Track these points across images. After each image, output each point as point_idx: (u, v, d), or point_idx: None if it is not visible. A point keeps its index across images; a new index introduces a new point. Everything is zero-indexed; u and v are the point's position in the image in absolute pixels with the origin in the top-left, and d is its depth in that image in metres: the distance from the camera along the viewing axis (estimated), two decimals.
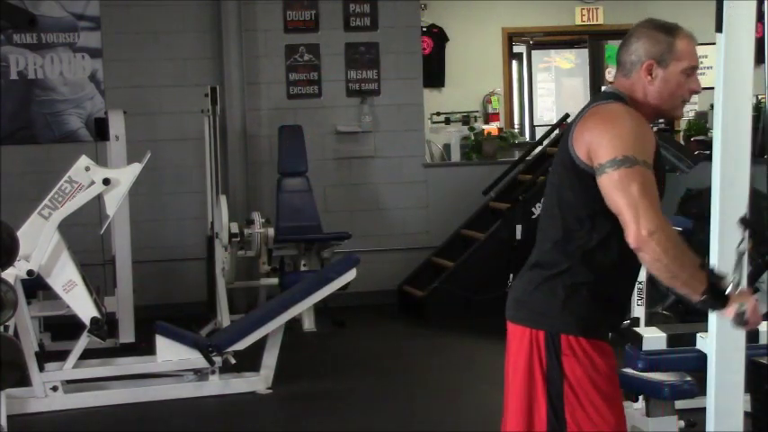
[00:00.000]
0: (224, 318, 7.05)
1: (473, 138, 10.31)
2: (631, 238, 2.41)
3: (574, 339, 2.60)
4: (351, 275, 5.96)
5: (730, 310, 2.44)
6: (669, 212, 6.78)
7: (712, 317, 3.23)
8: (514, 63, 11.81)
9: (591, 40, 11.89)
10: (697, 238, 6.01)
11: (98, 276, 7.27)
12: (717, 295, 2.45)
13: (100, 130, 7.28)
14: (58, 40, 8.15)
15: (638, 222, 2.40)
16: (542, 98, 12.67)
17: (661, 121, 10.20)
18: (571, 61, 12.66)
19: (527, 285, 2.69)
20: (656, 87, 2.63)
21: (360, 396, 5.91)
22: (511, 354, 2.72)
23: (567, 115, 9.51)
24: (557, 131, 9.55)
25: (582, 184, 2.57)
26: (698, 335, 3.73)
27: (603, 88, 2.74)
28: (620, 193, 2.43)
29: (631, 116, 2.57)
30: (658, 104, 2.66)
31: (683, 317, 6.48)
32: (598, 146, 2.50)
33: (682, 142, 9.24)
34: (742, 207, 3.18)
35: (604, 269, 2.61)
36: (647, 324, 4.87)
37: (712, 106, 3.05)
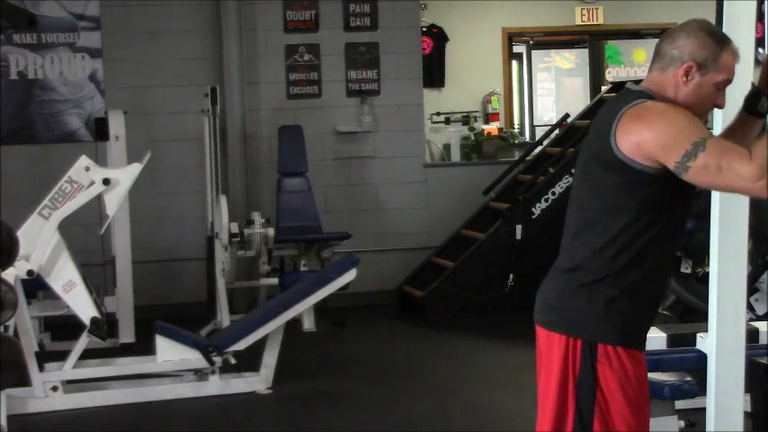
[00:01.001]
0: (224, 318, 7.05)
1: (473, 138, 10.31)
2: (748, 190, 2.40)
3: (611, 348, 2.59)
4: (351, 275, 5.96)
5: None
6: None
7: (712, 317, 3.23)
8: (514, 63, 11.81)
9: (591, 40, 11.89)
10: (697, 238, 6.02)
11: (98, 276, 7.26)
12: None
13: (100, 130, 7.27)
14: (58, 40, 8.15)
15: (746, 184, 2.37)
16: (542, 98, 12.66)
17: None
18: (571, 61, 12.66)
19: (561, 291, 2.66)
20: (688, 90, 2.59)
21: (360, 396, 5.91)
22: (543, 358, 2.71)
23: (567, 115, 9.50)
24: (557, 131, 9.54)
25: (630, 185, 2.54)
26: (698, 335, 3.72)
27: (627, 85, 2.69)
28: (715, 174, 2.40)
29: (673, 107, 2.54)
30: (685, 106, 2.61)
31: (683, 317, 6.48)
32: (663, 148, 2.46)
33: None
34: (742, 207, 3.18)
35: (647, 273, 2.60)
36: None
37: None
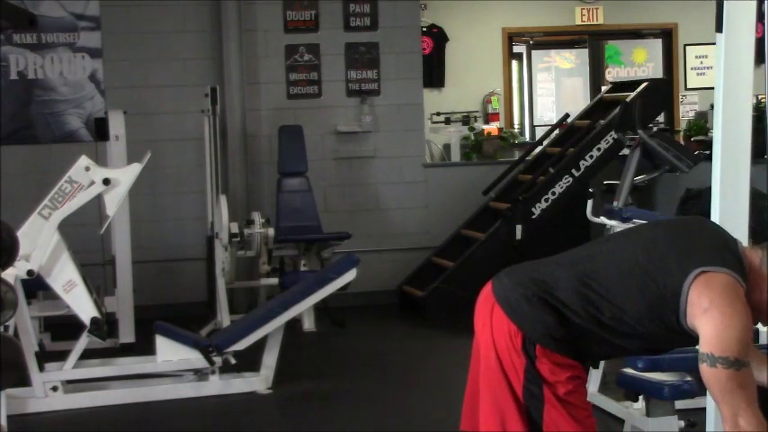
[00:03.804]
0: (224, 318, 7.05)
1: (473, 138, 10.32)
2: (729, 426, 2.50)
3: (549, 351, 2.68)
4: (351, 275, 5.96)
5: None
6: (669, 212, 6.79)
7: None
8: (514, 63, 11.81)
9: (591, 40, 11.90)
10: None
11: (98, 276, 7.26)
12: None
13: (100, 130, 7.28)
14: (58, 40, 8.15)
15: (736, 419, 2.48)
16: (542, 98, 12.67)
17: (661, 120, 10.22)
18: (571, 61, 12.67)
19: (527, 288, 2.73)
20: (764, 297, 2.64)
21: (360, 396, 5.91)
22: (495, 331, 2.75)
23: (566, 115, 9.51)
24: (557, 131, 9.54)
25: (660, 310, 2.61)
26: None
27: (740, 246, 2.70)
28: (726, 395, 2.50)
29: (745, 306, 2.56)
30: (755, 306, 2.65)
31: None
32: (709, 329, 2.53)
33: (682, 142, 9.24)
34: (742, 207, 3.18)
35: (596, 340, 2.69)
36: None
37: (712, 106, 3.04)
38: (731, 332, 2.51)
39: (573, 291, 2.68)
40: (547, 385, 2.67)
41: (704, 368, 2.52)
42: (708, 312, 2.54)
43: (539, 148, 9.20)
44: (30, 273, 5.57)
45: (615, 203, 6.15)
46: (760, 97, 7.94)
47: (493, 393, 2.76)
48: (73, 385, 5.80)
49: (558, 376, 2.67)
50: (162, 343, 5.83)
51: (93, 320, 5.73)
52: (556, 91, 12.74)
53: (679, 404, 3.97)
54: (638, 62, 11.84)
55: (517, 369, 2.69)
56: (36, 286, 6.15)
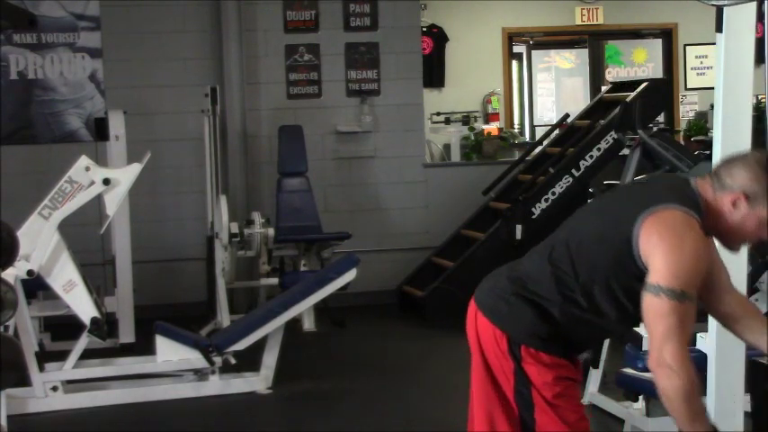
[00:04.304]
0: (224, 318, 7.05)
1: (473, 138, 10.32)
2: (652, 362, 2.49)
3: (534, 351, 2.67)
4: (351, 275, 5.96)
5: None
6: None
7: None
8: (514, 63, 11.81)
9: (591, 40, 11.90)
10: None
11: (98, 276, 7.26)
12: None
13: (100, 130, 7.28)
14: (58, 40, 8.15)
15: (661, 353, 2.46)
16: (542, 98, 12.67)
17: (661, 120, 10.22)
18: (571, 61, 12.66)
19: (504, 289, 2.76)
20: (733, 219, 2.61)
21: (360, 396, 5.91)
22: (481, 338, 2.77)
23: (566, 115, 9.51)
24: (557, 131, 9.54)
25: (626, 270, 2.59)
26: (698, 335, 3.73)
27: (691, 180, 2.69)
28: (660, 320, 2.48)
29: (700, 244, 2.55)
30: (729, 235, 2.65)
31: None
32: (660, 261, 2.51)
33: (682, 142, 9.25)
34: None
35: (575, 323, 2.67)
36: None
37: (712, 106, 3.04)
38: (680, 264, 2.49)
39: (545, 278, 2.69)
40: (534, 388, 2.67)
41: (647, 298, 2.50)
42: (657, 247, 2.52)
43: (539, 148, 9.19)
44: (30, 273, 5.57)
45: None
46: (760, 97, 7.94)
47: (486, 400, 2.77)
48: (73, 385, 5.80)
49: (545, 377, 2.66)
50: (162, 343, 5.83)
51: (93, 320, 5.73)
52: (556, 91, 12.74)
53: None
54: (638, 62, 11.84)
55: (507, 373, 2.70)
56: (36, 286, 6.15)
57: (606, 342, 4.72)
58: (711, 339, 3.24)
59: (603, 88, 10.59)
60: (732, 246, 2.70)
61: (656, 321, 2.49)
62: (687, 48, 11.12)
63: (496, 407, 2.74)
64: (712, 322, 3.23)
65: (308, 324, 7.56)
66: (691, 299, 2.49)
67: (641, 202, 2.61)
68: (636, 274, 2.56)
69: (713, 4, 3.11)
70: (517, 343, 2.68)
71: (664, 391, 2.46)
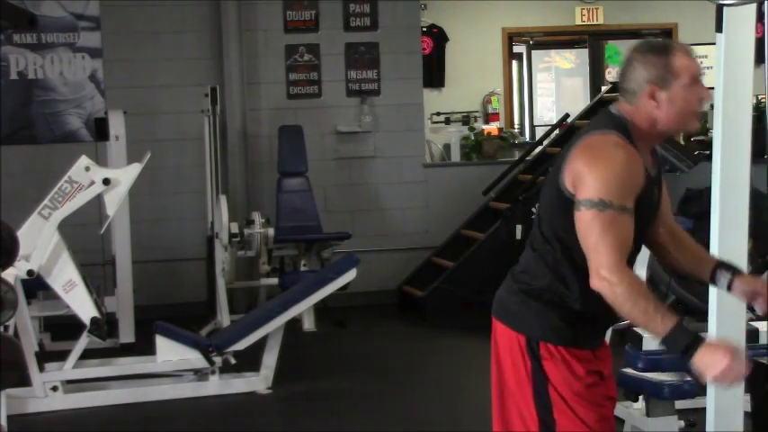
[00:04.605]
0: (224, 318, 7.05)
1: (473, 138, 10.31)
2: (593, 281, 2.50)
3: (552, 347, 2.66)
4: (351, 275, 5.96)
5: (697, 365, 2.43)
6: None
7: (712, 317, 3.23)
8: (514, 63, 11.81)
9: (591, 40, 11.89)
10: (697, 238, 6.02)
11: (98, 276, 7.26)
12: (680, 343, 2.45)
13: (100, 130, 7.28)
14: (58, 40, 8.15)
15: (596, 267, 2.48)
16: (542, 98, 12.67)
17: None
18: (571, 61, 12.66)
19: (509, 289, 2.76)
20: (663, 111, 2.60)
21: (360, 396, 5.91)
22: (499, 347, 2.77)
23: (567, 115, 9.50)
24: (557, 131, 9.54)
25: (565, 209, 2.60)
26: (698, 335, 3.72)
27: (611, 108, 2.70)
28: (588, 234, 2.50)
29: (621, 155, 2.55)
30: (669, 126, 2.64)
31: (683, 317, 6.47)
32: (582, 181, 2.54)
33: (682, 142, 9.24)
34: (742, 207, 3.18)
35: (575, 290, 2.65)
36: None
37: (712, 106, 3.05)
38: (600, 175, 2.50)
39: (533, 264, 2.70)
40: (552, 386, 2.65)
41: (580, 214, 2.50)
42: (579, 171, 2.54)
43: (539, 148, 9.20)
44: (30, 273, 5.57)
45: None
46: (760, 97, 7.94)
47: (503, 412, 2.75)
48: (73, 385, 5.80)
49: (564, 374, 2.64)
50: (162, 343, 5.83)
51: (93, 320, 5.73)
52: (556, 91, 12.74)
53: (679, 404, 3.98)
54: None
55: (525, 376, 2.68)
56: (36, 286, 6.15)
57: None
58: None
59: (603, 88, 10.59)
60: (687, 127, 2.68)
61: (584, 237, 2.51)
62: None
63: (516, 420, 2.72)
64: (712, 322, 3.24)
65: (308, 324, 7.56)
66: (615, 208, 2.48)
67: (576, 138, 2.64)
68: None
69: (720, 3, 3.10)
70: (535, 340, 2.66)
71: (613, 303, 2.47)
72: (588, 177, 2.52)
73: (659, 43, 2.68)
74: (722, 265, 2.78)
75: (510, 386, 2.72)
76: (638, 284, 2.48)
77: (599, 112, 2.74)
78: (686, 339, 2.42)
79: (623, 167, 2.53)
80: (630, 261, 2.63)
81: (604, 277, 2.46)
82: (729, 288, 2.74)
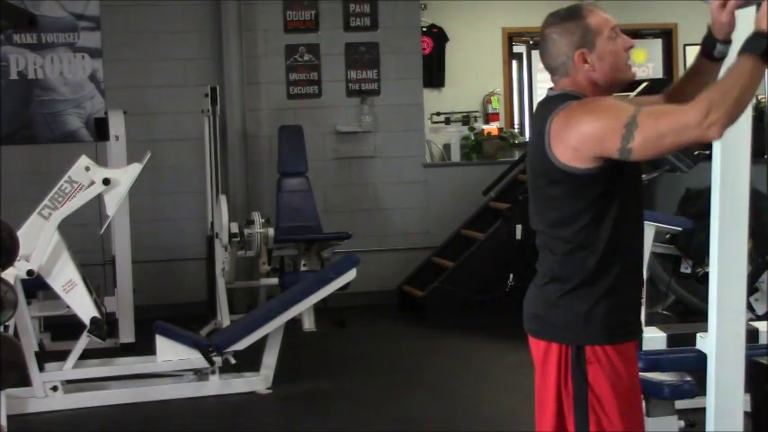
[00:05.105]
0: (224, 318, 7.05)
1: (473, 138, 10.31)
2: (705, 136, 2.38)
3: (599, 349, 2.62)
4: (351, 275, 5.96)
5: None
6: (669, 212, 6.79)
7: (712, 317, 3.23)
8: (514, 63, 11.80)
9: None
10: (697, 238, 6.02)
11: (98, 276, 7.27)
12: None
13: (100, 130, 7.28)
14: (58, 40, 8.16)
15: (693, 131, 2.37)
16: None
17: None
18: None
19: (544, 302, 2.69)
20: (598, 70, 2.62)
21: (360, 396, 5.91)
22: (538, 366, 2.74)
23: None
24: None
25: (578, 190, 2.57)
26: (698, 335, 3.72)
27: (548, 93, 2.73)
28: (659, 142, 2.42)
29: (592, 101, 2.57)
30: (609, 82, 2.65)
31: (683, 317, 6.48)
32: (600, 142, 2.48)
33: None
34: (742, 207, 3.18)
35: (619, 268, 2.62)
36: (647, 324, 4.86)
37: None
38: (601, 119, 2.47)
39: (558, 263, 2.66)
40: (593, 393, 2.61)
41: (632, 158, 2.45)
42: (572, 126, 2.51)
43: None
44: (30, 273, 5.57)
45: None
46: (760, 97, 7.93)
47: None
48: (73, 385, 5.81)
49: (610, 378, 2.60)
50: (162, 343, 5.83)
51: (93, 320, 5.73)
52: None
53: (679, 404, 3.97)
54: (638, 62, 11.82)
55: (564, 388, 2.65)
56: (36, 286, 6.15)
57: None
58: (711, 339, 3.23)
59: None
60: (624, 77, 2.67)
61: (658, 145, 2.43)
62: (687, 48, 11.13)
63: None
64: (712, 322, 3.23)
65: (308, 324, 7.56)
66: (639, 110, 2.45)
67: (539, 133, 2.61)
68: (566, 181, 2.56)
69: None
70: (578, 346, 2.62)
71: (731, 121, 2.36)
72: (598, 133, 2.47)
73: (568, 10, 2.67)
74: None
75: (553, 403, 2.68)
76: (705, 95, 2.38)
77: (541, 105, 2.71)
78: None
79: (605, 101, 2.54)
80: (640, 216, 2.66)
81: (703, 126, 2.34)
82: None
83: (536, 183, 2.69)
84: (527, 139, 11.28)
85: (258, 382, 5.92)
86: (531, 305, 2.76)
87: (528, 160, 2.77)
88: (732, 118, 2.36)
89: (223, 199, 7.36)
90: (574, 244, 2.62)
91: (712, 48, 2.72)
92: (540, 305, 2.71)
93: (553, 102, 2.64)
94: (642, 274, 2.78)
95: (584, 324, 2.62)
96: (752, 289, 5.68)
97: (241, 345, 5.83)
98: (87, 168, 5.85)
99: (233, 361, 5.89)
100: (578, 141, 2.51)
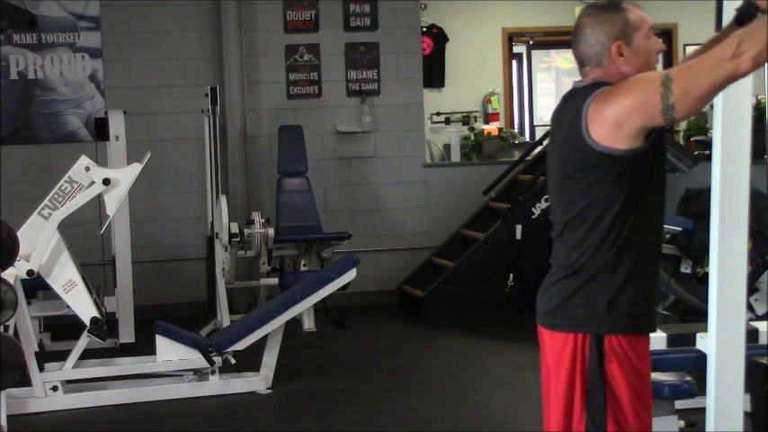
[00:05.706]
0: (224, 318, 7.05)
1: (473, 138, 10.31)
2: (740, 70, 2.40)
3: (616, 339, 2.62)
4: (351, 275, 5.96)
5: None
6: (669, 212, 6.79)
7: (712, 317, 3.23)
8: (514, 63, 11.81)
9: None
10: (697, 238, 6.02)
11: (98, 276, 7.27)
12: None
13: (100, 130, 7.28)
14: (58, 40, 8.16)
15: (728, 68, 2.39)
16: (542, 98, 12.66)
17: None
18: (571, 61, 12.58)
19: (564, 294, 2.68)
20: (631, 65, 2.65)
21: (360, 396, 5.91)
22: (548, 360, 2.73)
23: None
24: None
25: (610, 176, 2.57)
26: (698, 335, 3.72)
27: (575, 85, 2.78)
28: (698, 90, 2.43)
29: (625, 80, 2.60)
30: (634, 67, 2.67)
31: (683, 317, 6.48)
32: (642, 108, 2.49)
33: (682, 142, 9.24)
34: (742, 207, 3.18)
35: (641, 256, 2.63)
36: None
37: (712, 106, 3.05)
38: (637, 88, 2.50)
39: (577, 254, 2.65)
40: (610, 391, 2.61)
41: (678, 115, 2.46)
42: (618, 109, 2.52)
43: (539, 148, 9.19)
44: (30, 273, 5.57)
45: None
46: (760, 97, 7.93)
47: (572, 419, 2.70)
48: (73, 385, 5.81)
49: (627, 372, 2.61)
50: (162, 343, 5.83)
51: (93, 320, 5.73)
52: (556, 91, 12.73)
53: (679, 404, 3.97)
54: None
55: (579, 382, 2.64)
56: (36, 286, 6.15)
57: None
58: (711, 339, 3.23)
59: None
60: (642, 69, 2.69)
61: (700, 93, 2.44)
62: (687, 48, 11.13)
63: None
64: (712, 322, 3.23)
65: (308, 324, 7.56)
66: (669, 69, 2.50)
67: (572, 120, 2.63)
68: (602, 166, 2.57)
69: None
70: (597, 335, 2.61)
71: (762, 54, 2.38)
72: (638, 100, 2.49)
73: (609, 2, 2.70)
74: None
75: (563, 397, 2.68)
76: (735, 35, 2.41)
77: (570, 96, 2.76)
78: None
79: (635, 77, 2.57)
80: (662, 203, 2.68)
81: (735, 59, 2.37)
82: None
83: (564, 172, 2.68)
84: (527, 139, 11.31)
85: (258, 382, 5.92)
86: (548, 299, 2.74)
87: (552, 153, 2.76)
88: (762, 54, 2.37)
89: (223, 199, 7.36)
90: (600, 232, 2.62)
91: (752, 17, 2.72)
92: (560, 297, 2.69)
93: (586, 90, 2.67)
94: (659, 267, 2.79)
95: (605, 312, 2.62)
96: (752, 289, 5.68)
97: (241, 345, 5.83)
98: (87, 168, 5.85)
99: (233, 361, 5.89)
100: (620, 115, 2.53)
